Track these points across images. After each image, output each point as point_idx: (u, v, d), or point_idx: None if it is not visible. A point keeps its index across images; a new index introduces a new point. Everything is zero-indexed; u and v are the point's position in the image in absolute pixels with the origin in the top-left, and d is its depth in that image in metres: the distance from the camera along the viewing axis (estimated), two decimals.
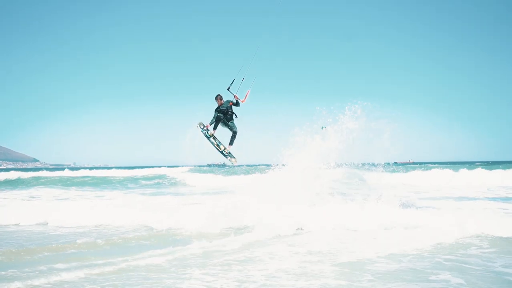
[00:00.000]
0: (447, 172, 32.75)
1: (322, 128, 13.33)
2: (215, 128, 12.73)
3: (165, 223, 11.71)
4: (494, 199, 17.84)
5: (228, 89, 11.85)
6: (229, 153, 12.85)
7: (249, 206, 11.99)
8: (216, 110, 12.54)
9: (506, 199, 17.72)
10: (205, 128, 12.57)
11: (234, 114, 12.50)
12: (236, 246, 9.05)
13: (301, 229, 11.00)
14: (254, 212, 11.62)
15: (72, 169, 76.66)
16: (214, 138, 12.66)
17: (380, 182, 14.51)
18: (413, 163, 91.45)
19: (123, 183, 36.09)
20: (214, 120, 12.58)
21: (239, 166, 66.56)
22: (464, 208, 13.82)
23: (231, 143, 12.82)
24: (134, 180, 39.06)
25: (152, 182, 37.10)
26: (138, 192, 26.27)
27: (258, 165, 47.41)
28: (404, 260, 7.69)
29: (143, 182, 37.32)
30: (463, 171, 32.71)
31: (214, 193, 22.83)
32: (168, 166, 64.13)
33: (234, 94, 11.85)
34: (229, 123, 12.58)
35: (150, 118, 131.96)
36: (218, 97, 12.41)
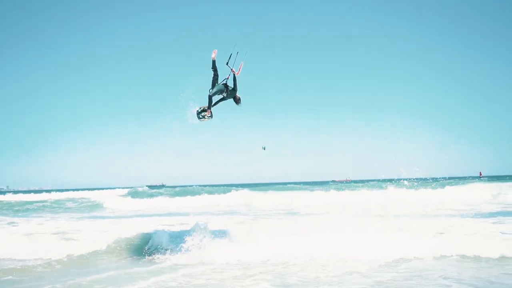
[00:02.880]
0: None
1: (263, 148, 13.48)
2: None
3: None
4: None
5: (227, 63, 11.61)
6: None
7: None
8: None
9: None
10: (206, 115, 11.82)
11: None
12: None
13: None
14: None
15: (3, 192, 72.89)
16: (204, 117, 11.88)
17: None
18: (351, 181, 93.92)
19: (42, 206, 35.14)
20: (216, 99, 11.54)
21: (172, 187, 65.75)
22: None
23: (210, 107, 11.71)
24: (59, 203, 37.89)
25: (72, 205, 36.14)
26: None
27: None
28: None
29: (68, 204, 36.48)
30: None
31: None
32: (102, 189, 62.47)
33: (231, 68, 11.57)
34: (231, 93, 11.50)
35: (93, 139, 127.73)
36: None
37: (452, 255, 10.15)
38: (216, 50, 11.51)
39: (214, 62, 11.48)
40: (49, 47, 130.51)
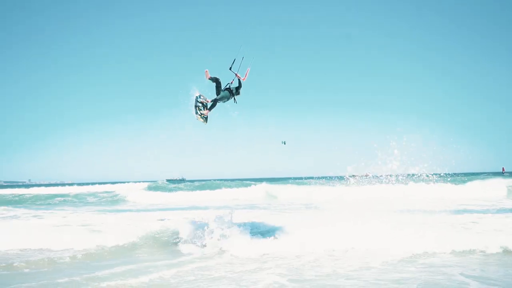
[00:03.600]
0: None
1: (283, 142, 13.60)
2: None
3: None
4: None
5: (230, 68, 11.78)
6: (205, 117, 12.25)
7: None
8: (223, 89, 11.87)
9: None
10: (203, 115, 12.17)
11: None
12: None
13: None
14: None
15: (27, 186, 74.45)
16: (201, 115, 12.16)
17: None
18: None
19: (64, 201, 35.82)
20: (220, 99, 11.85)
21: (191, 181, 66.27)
22: None
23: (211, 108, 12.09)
24: (81, 197, 38.60)
25: (96, 199, 36.79)
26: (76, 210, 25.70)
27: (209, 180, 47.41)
28: None
29: (89, 199, 37.10)
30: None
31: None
32: (122, 182, 63.27)
33: (236, 73, 11.76)
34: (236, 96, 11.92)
35: (111, 133, 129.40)
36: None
37: (472, 251, 10.05)
38: (207, 70, 11.76)
39: (210, 79, 11.77)
40: (49, 47, 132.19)
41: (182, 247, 11.49)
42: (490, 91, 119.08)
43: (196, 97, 12.10)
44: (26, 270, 9.25)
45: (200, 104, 12.06)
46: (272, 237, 11.68)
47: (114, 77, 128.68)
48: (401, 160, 13.65)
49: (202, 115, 12.08)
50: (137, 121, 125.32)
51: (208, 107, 11.96)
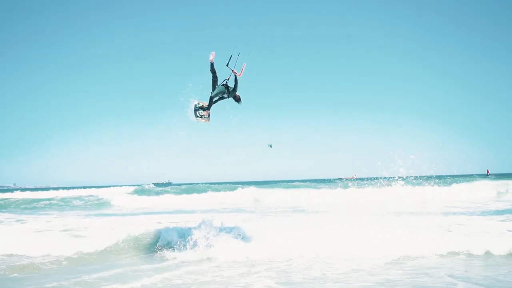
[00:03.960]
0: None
1: (269, 146, 13.53)
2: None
3: None
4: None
5: (227, 65, 11.64)
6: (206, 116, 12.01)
7: None
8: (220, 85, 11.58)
9: None
10: (204, 116, 11.96)
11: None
12: None
13: None
14: None
15: (11, 190, 73.24)
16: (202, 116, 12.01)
17: None
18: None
19: (49, 204, 35.35)
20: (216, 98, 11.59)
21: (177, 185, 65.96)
22: None
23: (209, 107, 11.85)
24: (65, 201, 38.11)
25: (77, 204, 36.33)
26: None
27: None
28: None
29: (75, 203, 36.67)
30: None
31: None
32: (109, 186, 62.73)
33: (232, 69, 11.60)
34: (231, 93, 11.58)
35: (99, 137, 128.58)
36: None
37: (458, 253, 10.13)
38: (214, 53, 11.53)
39: (212, 64, 11.52)
40: (49, 47, 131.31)
41: (168, 252, 11.35)
42: (490, 91, 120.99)
43: (195, 105, 11.99)
44: (13, 275, 9.12)
45: (199, 108, 11.96)
46: (260, 241, 11.60)
47: (114, 77, 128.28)
48: (389, 162, 13.71)
49: (203, 116, 11.98)
50: (125, 125, 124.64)
51: (207, 107, 11.84)
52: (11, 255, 11.39)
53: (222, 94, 11.57)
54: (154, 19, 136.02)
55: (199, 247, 11.37)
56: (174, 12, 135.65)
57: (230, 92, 11.55)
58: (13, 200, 40.85)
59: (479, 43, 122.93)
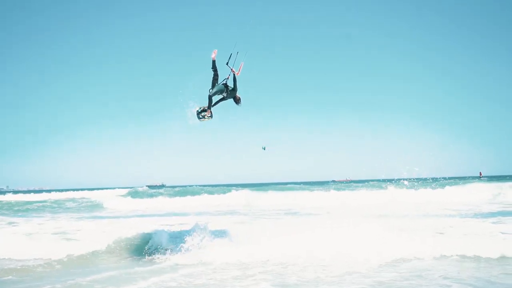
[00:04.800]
0: None
1: (263, 148, 13.52)
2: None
3: None
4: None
5: (227, 63, 11.58)
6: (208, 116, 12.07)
7: None
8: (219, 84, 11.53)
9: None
10: (206, 115, 11.83)
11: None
12: None
13: None
14: None
15: (4, 192, 72.94)
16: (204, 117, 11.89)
17: None
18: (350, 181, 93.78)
19: (42, 207, 35.15)
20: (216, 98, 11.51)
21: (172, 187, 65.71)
22: None
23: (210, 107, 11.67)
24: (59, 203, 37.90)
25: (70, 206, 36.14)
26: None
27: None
28: None
29: (68, 205, 36.50)
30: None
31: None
32: (103, 189, 62.56)
33: (231, 68, 11.54)
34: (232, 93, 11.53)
35: (93, 140, 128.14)
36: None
37: (452, 255, 10.15)
38: (216, 50, 11.51)
39: (214, 62, 11.48)
40: (49, 47, 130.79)
41: (162, 255, 11.30)
42: (490, 91, 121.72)
43: (197, 110, 11.91)
44: (6, 278, 9.04)
45: (202, 111, 11.88)
46: (253, 244, 11.57)
47: (114, 77, 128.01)
48: (385, 165, 13.73)
49: (206, 116, 11.90)
50: (119, 128, 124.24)
51: (207, 107, 11.75)
52: (2, 259, 11.27)
53: (221, 93, 11.52)
54: (154, 19, 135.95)
55: (192, 250, 11.34)
56: (174, 12, 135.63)
57: (230, 92, 11.53)
58: (5, 202, 40.60)
59: (479, 43, 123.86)
